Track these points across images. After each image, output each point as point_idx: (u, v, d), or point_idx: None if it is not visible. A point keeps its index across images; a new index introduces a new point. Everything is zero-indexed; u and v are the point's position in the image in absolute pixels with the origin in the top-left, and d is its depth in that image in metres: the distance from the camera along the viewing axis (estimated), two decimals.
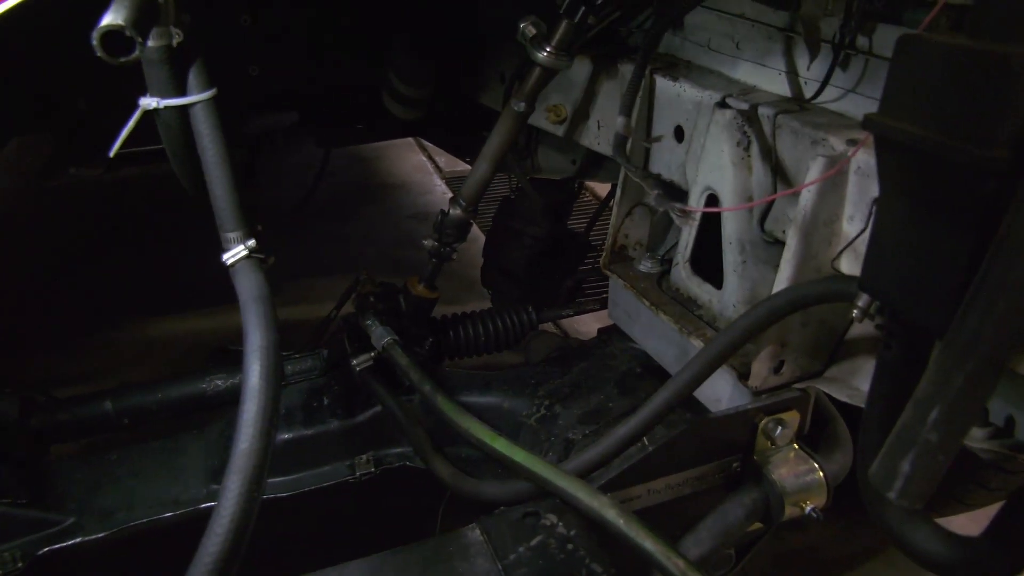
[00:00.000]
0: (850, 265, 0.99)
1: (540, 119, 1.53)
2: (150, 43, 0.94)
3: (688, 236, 1.26)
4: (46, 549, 1.27)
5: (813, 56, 1.07)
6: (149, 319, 2.74)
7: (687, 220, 1.24)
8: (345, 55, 2.10)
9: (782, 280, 1.01)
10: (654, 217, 1.40)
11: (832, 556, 1.83)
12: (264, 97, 2.10)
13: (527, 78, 1.36)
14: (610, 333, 1.50)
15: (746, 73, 1.21)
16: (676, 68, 1.30)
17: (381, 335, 1.42)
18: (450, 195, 2.65)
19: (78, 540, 1.29)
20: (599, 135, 1.45)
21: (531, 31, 1.32)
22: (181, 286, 2.79)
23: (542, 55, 1.31)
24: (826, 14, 1.00)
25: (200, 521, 0.83)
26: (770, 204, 1.10)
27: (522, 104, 1.36)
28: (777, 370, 1.09)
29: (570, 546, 0.93)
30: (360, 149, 4.13)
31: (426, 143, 4.14)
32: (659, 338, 1.34)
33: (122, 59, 0.87)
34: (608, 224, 1.43)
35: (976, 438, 0.92)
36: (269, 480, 1.41)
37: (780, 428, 1.07)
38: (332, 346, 1.57)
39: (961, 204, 0.67)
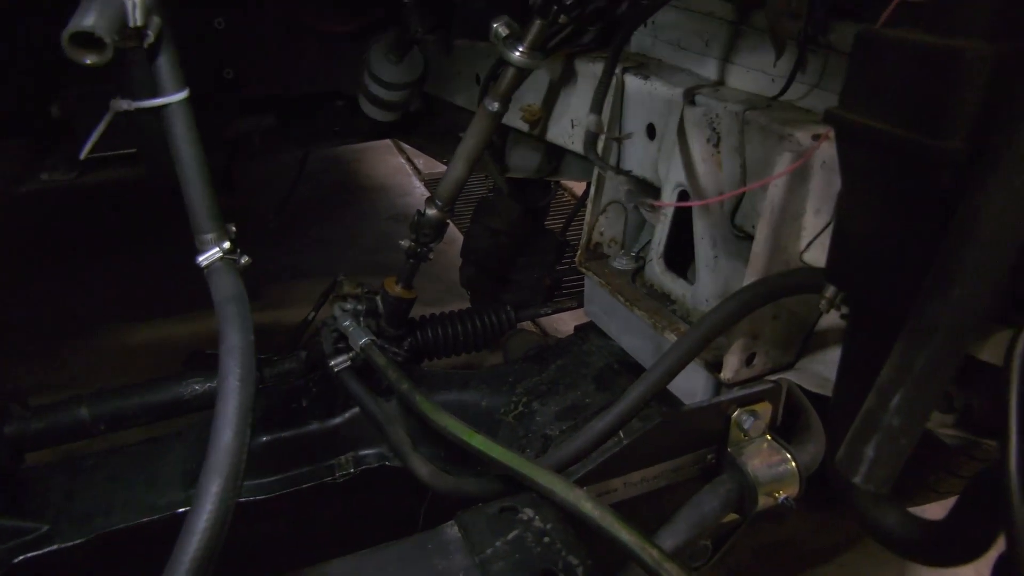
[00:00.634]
0: (818, 257, 1.01)
1: (514, 119, 1.54)
2: (120, 44, 0.94)
3: (661, 232, 1.27)
4: (22, 557, 1.26)
5: (779, 53, 1.08)
6: (126, 325, 2.72)
7: (659, 216, 1.25)
8: (321, 58, 2.10)
9: (752, 273, 1.03)
10: (628, 214, 1.42)
11: (811, 548, 1.86)
12: (240, 100, 2.09)
13: (501, 78, 1.37)
14: (587, 330, 1.51)
15: (715, 71, 1.23)
16: (647, 67, 1.32)
17: (359, 336, 1.42)
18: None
19: (55, 547, 1.28)
20: (573, 134, 1.47)
21: (504, 31, 1.33)
22: (157, 291, 2.78)
23: (515, 55, 1.32)
24: (790, 10, 1.02)
25: (179, 525, 0.83)
26: (740, 200, 1.12)
27: (496, 104, 1.37)
28: (749, 362, 1.10)
29: (547, 539, 0.94)
30: (339, 152, 4.12)
31: (405, 145, 4.15)
32: (634, 334, 1.35)
33: (91, 60, 0.87)
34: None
35: (943, 424, 0.94)
36: (248, 483, 1.41)
37: (753, 419, 1.08)
38: (311, 348, 1.57)
39: (918, 194, 0.69)
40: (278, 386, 1.53)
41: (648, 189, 1.33)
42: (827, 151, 0.96)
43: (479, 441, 1.13)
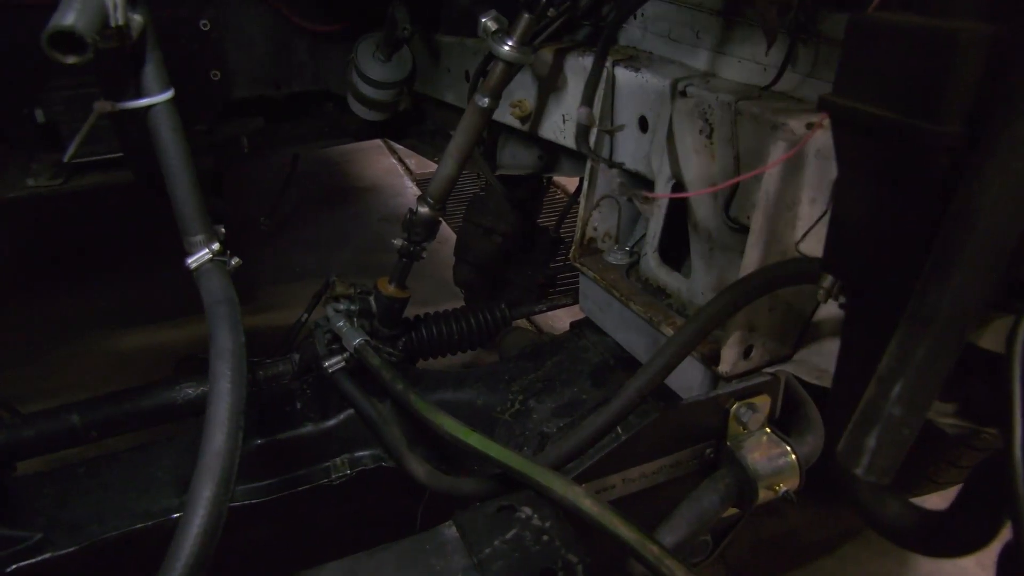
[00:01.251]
0: (814, 247, 1.00)
1: (505, 115, 1.53)
2: (102, 45, 0.93)
3: (655, 226, 1.26)
4: (14, 566, 1.25)
5: (770, 43, 1.07)
6: (118, 330, 2.70)
7: (653, 209, 1.24)
8: (310, 59, 2.09)
9: (748, 265, 1.02)
10: (622, 209, 1.41)
11: (810, 540, 1.85)
12: (229, 102, 2.08)
13: (490, 74, 1.36)
14: (582, 326, 1.50)
15: (707, 62, 1.22)
16: (638, 59, 1.30)
17: (352, 337, 1.41)
18: None
19: (47, 556, 1.26)
20: (564, 129, 1.46)
21: (492, 26, 1.32)
22: (149, 296, 2.76)
23: (504, 49, 1.31)
24: (779, 0, 1.01)
25: (172, 531, 0.82)
26: (734, 191, 1.11)
27: (486, 100, 1.36)
28: (746, 355, 1.09)
29: (545, 537, 0.93)
30: (329, 154, 4.11)
31: (396, 145, 4.13)
32: (630, 329, 1.34)
33: (72, 61, 0.85)
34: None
35: (943, 413, 0.93)
36: (242, 487, 1.40)
37: (751, 413, 1.07)
38: (304, 350, 1.55)
39: (916, 180, 0.68)
40: (272, 389, 1.52)
41: (642, 182, 1.32)
42: (821, 140, 0.95)
43: (476, 440, 1.12)
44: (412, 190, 3.90)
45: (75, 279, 2.98)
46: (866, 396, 0.72)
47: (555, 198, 3.53)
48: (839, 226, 0.77)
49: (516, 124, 1.53)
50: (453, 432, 1.16)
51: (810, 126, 0.96)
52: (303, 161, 2.91)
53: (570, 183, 3.48)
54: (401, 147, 3.91)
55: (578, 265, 1.41)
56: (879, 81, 0.68)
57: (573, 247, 1.42)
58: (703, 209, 1.13)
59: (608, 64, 1.29)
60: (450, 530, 0.98)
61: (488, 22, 1.32)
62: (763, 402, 1.09)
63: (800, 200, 0.99)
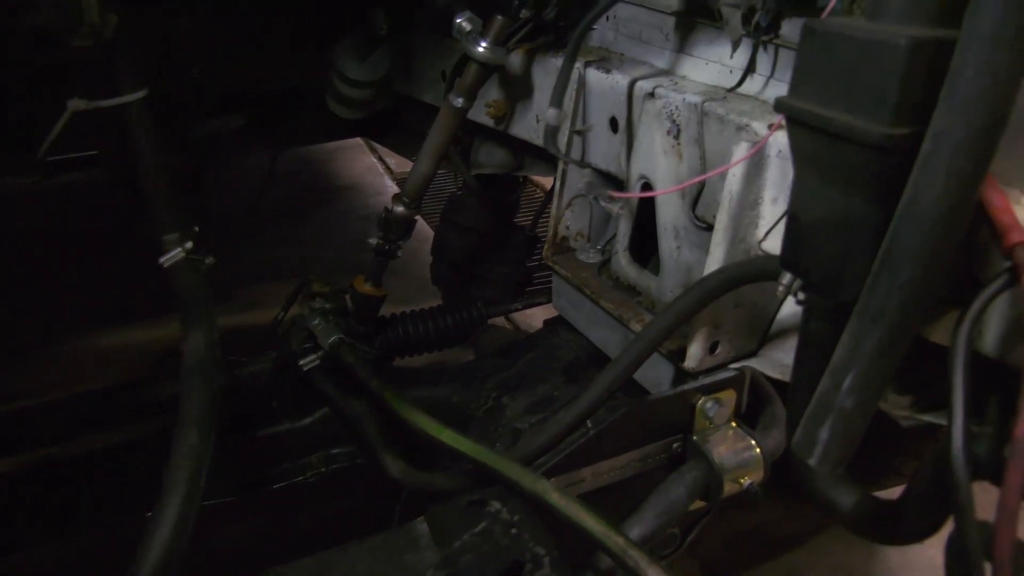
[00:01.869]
0: (776, 245, 1.01)
1: (480, 115, 1.54)
2: (76, 42, 0.93)
3: (625, 225, 1.29)
4: None
5: (735, 46, 1.10)
6: (100, 329, 2.69)
7: (620, 208, 1.26)
8: (288, 57, 2.09)
9: (713, 263, 1.04)
10: (594, 208, 1.43)
11: (780, 535, 1.88)
12: (208, 100, 2.07)
13: (465, 74, 1.37)
14: (556, 324, 1.52)
15: (675, 64, 1.25)
16: (609, 61, 1.33)
17: (327, 334, 1.42)
18: None
19: None
20: (538, 129, 1.47)
21: (467, 27, 1.34)
22: (130, 294, 2.74)
23: (478, 50, 1.33)
24: (745, 4, 1.03)
25: None
26: (700, 191, 1.13)
27: (460, 99, 1.38)
28: (712, 351, 1.12)
29: (514, 531, 0.95)
30: (310, 152, 4.10)
31: (376, 145, 4.13)
32: (602, 326, 1.36)
33: (46, 58, 0.86)
34: None
35: (899, 406, 0.96)
36: (216, 484, 1.40)
37: (717, 407, 1.10)
38: (280, 348, 1.56)
39: (866, 180, 0.70)
40: (248, 387, 1.52)
41: (613, 182, 1.34)
42: (782, 141, 0.97)
43: (448, 436, 1.13)
44: (392, 189, 3.91)
45: (53, 277, 2.96)
46: (819, 388, 0.74)
47: (533, 197, 3.55)
48: (795, 224, 0.80)
49: (491, 124, 1.55)
50: (426, 428, 1.17)
51: (770, 127, 0.99)
52: (284, 160, 2.90)
53: (547, 182, 3.49)
54: (381, 146, 3.92)
55: (551, 264, 1.43)
56: (831, 84, 0.70)
57: (546, 246, 1.44)
58: (671, 208, 1.16)
59: (579, 65, 1.31)
60: (422, 525, 1.00)
61: (463, 23, 1.34)
62: (729, 397, 1.12)
63: (762, 199, 1.01)
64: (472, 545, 0.94)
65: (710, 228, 1.12)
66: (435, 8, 1.67)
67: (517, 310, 1.83)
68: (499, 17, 1.31)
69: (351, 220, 3.57)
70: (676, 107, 1.12)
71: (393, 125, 2.24)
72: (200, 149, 2.25)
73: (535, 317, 2.59)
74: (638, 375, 1.11)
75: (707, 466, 1.08)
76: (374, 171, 4.13)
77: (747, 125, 1.02)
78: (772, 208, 1.01)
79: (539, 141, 1.49)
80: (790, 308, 1.14)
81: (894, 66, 0.64)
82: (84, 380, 2.36)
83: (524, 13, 1.30)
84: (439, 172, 1.57)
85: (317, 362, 1.42)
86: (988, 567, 0.61)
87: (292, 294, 1.64)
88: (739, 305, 1.10)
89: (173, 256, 1.04)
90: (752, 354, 1.16)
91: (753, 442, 1.10)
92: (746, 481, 1.09)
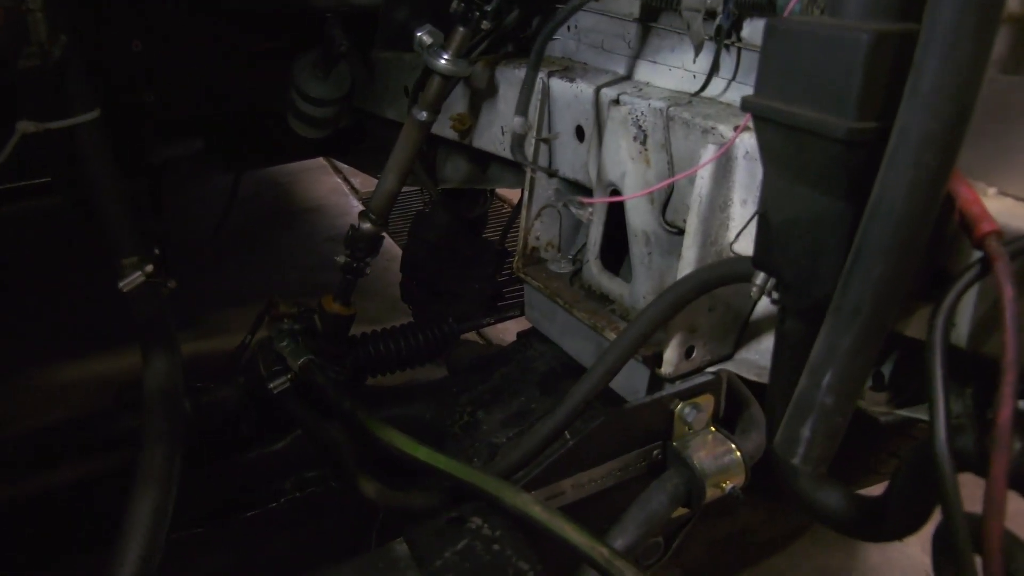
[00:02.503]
0: (748, 247, 1.02)
1: (445, 128, 1.53)
2: (24, 63, 0.90)
3: (595, 233, 1.28)
4: None
5: (697, 50, 1.10)
6: (54, 361, 2.61)
7: (589, 215, 1.26)
8: (247, 78, 2.06)
9: (685, 266, 1.04)
10: (563, 217, 1.42)
11: (762, 538, 1.88)
12: (165, 124, 2.04)
13: (428, 88, 1.36)
14: (529, 336, 1.50)
15: (639, 71, 1.25)
16: (572, 70, 1.32)
17: (297, 356, 1.39)
18: None
19: None
20: (503, 140, 1.47)
21: (428, 40, 1.33)
22: (88, 324, 2.67)
23: (440, 63, 1.32)
24: (704, 9, 1.03)
25: None
26: (669, 195, 1.13)
27: (424, 113, 1.36)
28: (688, 356, 1.11)
29: (496, 547, 0.93)
30: (273, 174, 4.05)
31: (340, 164, 4.10)
32: (576, 336, 1.35)
33: None
34: None
35: (876, 403, 0.96)
36: (187, 515, 1.36)
37: (696, 412, 1.09)
38: (248, 372, 1.52)
39: (834, 176, 0.70)
40: (215, 413, 1.48)
41: (581, 191, 1.34)
42: (749, 142, 0.97)
43: (424, 453, 1.11)
44: (357, 208, 3.87)
45: (8, 307, 2.87)
46: (799, 388, 0.74)
47: (501, 211, 3.54)
48: (766, 224, 0.79)
49: (456, 137, 1.54)
50: (401, 447, 1.15)
51: (737, 129, 0.99)
52: (246, 182, 2.86)
53: (514, 196, 3.49)
54: (345, 165, 3.89)
55: (522, 275, 1.41)
56: (796, 81, 0.70)
57: (516, 257, 1.43)
58: (640, 214, 1.15)
59: (543, 75, 1.30)
60: (401, 546, 0.97)
61: (423, 36, 1.33)
62: (707, 401, 1.11)
63: (732, 201, 1.01)
64: (454, 563, 0.92)
65: (681, 232, 1.12)
66: (394, 23, 1.66)
67: (489, 324, 1.81)
68: (460, 29, 1.30)
69: (316, 242, 3.53)
70: (642, 113, 1.12)
71: (356, 143, 2.22)
72: (159, 173, 2.21)
73: (508, 331, 2.58)
74: (614, 383, 1.10)
75: (688, 472, 1.07)
76: (339, 191, 4.09)
77: (713, 128, 1.02)
78: (742, 210, 1.01)
79: (505, 153, 1.49)
80: (763, 309, 1.14)
81: (856, 61, 0.64)
82: (42, 414, 2.29)
83: (485, 24, 1.30)
84: (406, 189, 1.56)
85: (287, 384, 1.39)
86: (977, 559, 0.61)
87: (258, 316, 1.60)
88: (713, 308, 1.09)
89: (132, 280, 1.01)
90: (728, 357, 1.15)
91: (733, 446, 1.09)
92: (728, 485, 1.08)
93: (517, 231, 1.48)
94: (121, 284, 1.01)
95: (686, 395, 1.09)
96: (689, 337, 1.09)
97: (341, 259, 1.47)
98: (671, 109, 1.09)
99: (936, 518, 0.71)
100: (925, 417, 0.81)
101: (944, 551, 0.71)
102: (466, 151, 1.63)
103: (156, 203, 2.22)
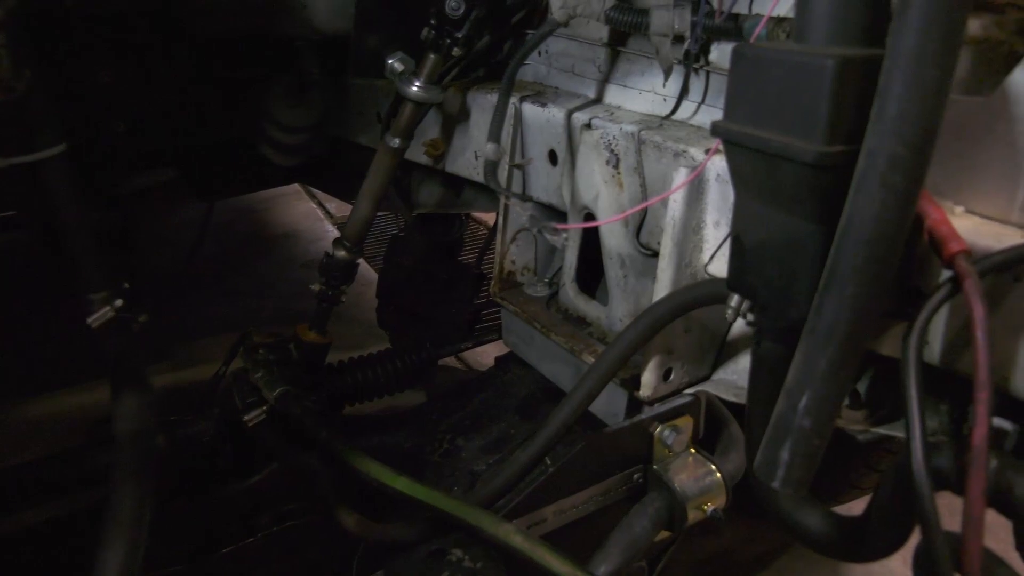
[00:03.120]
0: (722, 268, 1.02)
1: (418, 154, 1.53)
2: None
3: (571, 256, 1.28)
4: None
5: (667, 74, 1.11)
6: (28, 398, 2.56)
7: (564, 239, 1.26)
8: (219, 107, 2.05)
9: (661, 289, 1.04)
10: (538, 241, 1.42)
11: (745, 557, 1.88)
12: (136, 154, 2.01)
13: (400, 114, 1.36)
14: (507, 360, 1.50)
15: (610, 95, 1.26)
16: (544, 95, 1.33)
17: (272, 386, 1.37)
18: None
19: None
20: (477, 165, 1.47)
21: (399, 67, 1.33)
22: (56, 359, 2.62)
23: (412, 90, 1.32)
24: (673, 33, 1.05)
25: None
26: (643, 218, 1.14)
27: (397, 140, 1.36)
28: (666, 378, 1.11)
29: None
30: (247, 201, 4.03)
31: (315, 190, 4.08)
32: (554, 360, 1.35)
33: None
34: None
35: (854, 421, 0.97)
36: (163, 553, 1.33)
37: (675, 435, 1.09)
38: (223, 404, 1.50)
39: (805, 199, 0.71)
40: (190, 447, 1.46)
41: (555, 215, 1.34)
42: (720, 164, 0.98)
43: (403, 484, 1.10)
44: (333, 234, 3.86)
45: None
46: (776, 410, 0.73)
47: (477, 234, 3.54)
48: (739, 246, 0.80)
49: (429, 162, 1.54)
50: (380, 478, 1.13)
51: (708, 152, 1.00)
52: (219, 210, 2.84)
53: (489, 218, 3.50)
54: (319, 191, 3.88)
55: (499, 300, 1.41)
56: (764, 106, 0.71)
57: (493, 282, 1.43)
58: (615, 238, 1.15)
59: (515, 100, 1.31)
60: None
61: (394, 63, 1.34)
62: (686, 423, 1.11)
63: (705, 223, 1.02)
64: None
65: (655, 255, 1.12)
66: (366, 50, 1.66)
67: (467, 349, 1.80)
68: (431, 56, 1.30)
69: (292, 269, 3.51)
70: (613, 137, 1.13)
71: (330, 169, 2.21)
72: (129, 204, 2.18)
73: (487, 355, 2.57)
74: (593, 407, 1.10)
75: (669, 495, 1.06)
76: (313, 217, 4.07)
77: (685, 151, 1.03)
78: (715, 231, 1.02)
79: (479, 177, 1.49)
80: (739, 329, 1.14)
81: (823, 86, 0.65)
82: (12, 453, 2.24)
83: (456, 51, 1.30)
84: (381, 214, 1.55)
85: (263, 416, 1.36)
86: None
87: (233, 347, 1.58)
88: (689, 330, 1.09)
89: (101, 315, 0.99)
90: (705, 378, 1.15)
91: (714, 467, 1.09)
92: (709, 507, 1.07)
93: (493, 254, 1.48)
94: (89, 320, 0.99)
95: (665, 417, 1.09)
96: (667, 359, 1.09)
97: (316, 287, 1.46)
98: (642, 133, 1.09)
99: (919, 534, 0.71)
100: (902, 434, 0.82)
101: (925, 570, 0.71)
102: (440, 176, 1.62)
103: (127, 234, 2.19)
